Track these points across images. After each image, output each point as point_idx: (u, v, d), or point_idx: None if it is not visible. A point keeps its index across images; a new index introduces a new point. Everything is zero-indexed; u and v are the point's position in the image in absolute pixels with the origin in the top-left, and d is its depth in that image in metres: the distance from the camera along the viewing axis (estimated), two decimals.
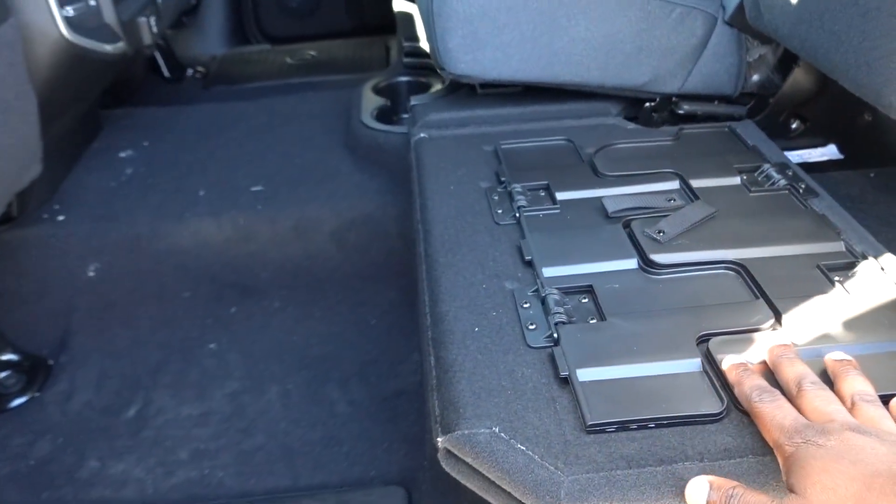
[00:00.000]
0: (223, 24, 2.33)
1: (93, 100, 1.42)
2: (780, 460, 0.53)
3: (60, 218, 1.24)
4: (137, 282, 1.20)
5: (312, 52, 2.32)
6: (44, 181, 1.16)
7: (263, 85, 2.03)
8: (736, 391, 0.61)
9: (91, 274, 1.19)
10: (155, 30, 1.29)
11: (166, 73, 2.08)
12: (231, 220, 1.23)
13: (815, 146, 1.18)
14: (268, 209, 1.25)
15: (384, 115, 1.40)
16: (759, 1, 1.03)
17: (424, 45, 1.54)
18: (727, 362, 0.64)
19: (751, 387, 0.59)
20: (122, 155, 1.45)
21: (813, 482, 0.48)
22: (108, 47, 1.15)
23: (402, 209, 1.18)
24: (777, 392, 0.58)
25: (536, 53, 1.10)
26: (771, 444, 0.55)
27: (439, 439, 0.62)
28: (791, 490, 0.50)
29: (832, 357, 0.63)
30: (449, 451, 0.62)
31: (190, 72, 2.16)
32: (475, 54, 1.09)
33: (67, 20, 1.08)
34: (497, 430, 0.61)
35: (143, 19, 1.26)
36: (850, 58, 0.84)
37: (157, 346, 1.14)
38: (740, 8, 1.08)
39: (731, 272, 0.79)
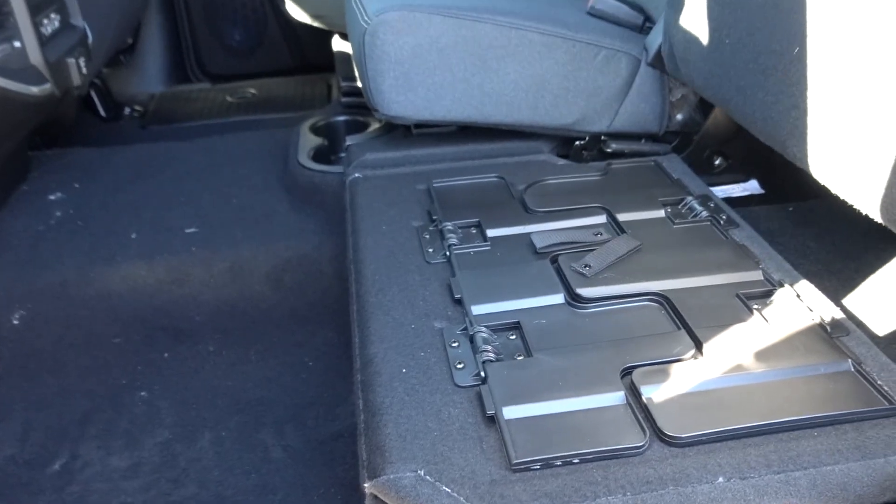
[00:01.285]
0: (162, 61, 2.31)
1: (19, 141, 1.38)
2: None
3: None
4: (65, 328, 1.16)
5: (253, 90, 2.32)
6: None
7: (202, 124, 2.02)
8: None
9: (15, 322, 1.15)
10: (85, 71, 1.27)
11: (102, 112, 2.05)
12: (164, 263, 1.21)
13: (738, 182, 1.23)
14: (202, 251, 1.23)
15: (321, 155, 1.41)
16: (674, 53, 1.07)
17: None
18: None
19: None
20: (52, 197, 1.41)
21: None
22: (34, 89, 1.13)
23: (338, 249, 1.18)
24: None
25: (468, 94, 1.12)
26: None
27: (366, 485, 0.62)
28: None
29: None
30: (376, 497, 0.62)
31: (127, 111, 2.13)
32: (407, 95, 1.11)
33: None
34: (423, 472, 0.61)
35: (71, 60, 1.24)
36: (756, 111, 0.88)
37: (85, 394, 1.11)
38: (661, 52, 1.13)
39: (654, 304, 0.81)
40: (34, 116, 1.29)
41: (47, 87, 1.16)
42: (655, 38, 1.15)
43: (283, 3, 1.92)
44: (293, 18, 1.92)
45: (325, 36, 1.97)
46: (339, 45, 1.81)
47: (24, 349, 1.15)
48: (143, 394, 1.11)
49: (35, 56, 1.14)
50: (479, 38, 1.10)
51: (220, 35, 2.34)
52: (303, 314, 1.19)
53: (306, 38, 2.24)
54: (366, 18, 1.09)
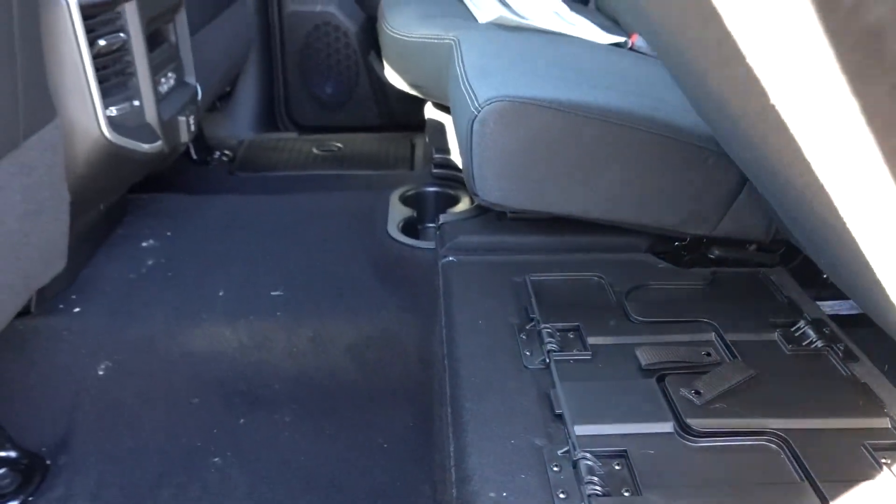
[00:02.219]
0: (254, 109, 2.38)
1: (123, 192, 1.42)
2: None
3: (76, 310, 1.22)
4: (146, 384, 1.17)
5: (339, 144, 2.35)
6: (65, 269, 1.15)
7: (289, 175, 2.05)
8: None
9: (101, 372, 1.16)
10: (193, 128, 1.31)
11: (194, 155, 2.11)
12: (247, 326, 1.21)
13: (847, 298, 1.17)
14: (286, 317, 1.22)
15: (410, 227, 1.40)
16: None
17: (455, 157, 1.56)
18: None
19: None
20: (145, 244, 1.44)
21: None
22: (146, 146, 1.16)
23: (424, 330, 1.16)
24: None
25: (571, 188, 1.10)
26: None
27: None
28: None
29: None
30: None
31: (217, 154, 2.19)
32: (510, 184, 1.09)
33: (110, 120, 1.09)
34: None
35: (182, 118, 1.27)
36: None
37: (159, 454, 1.10)
38: None
39: (772, 445, 0.76)
40: (142, 170, 1.32)
41: (158, 145, 1.19)
42: None
43: (381, 67, 1.95)
44: (387, 82, 1.95)
45: (414, 98, 1.99)
46: (431, 112, 1.82)
47: (105, 401, 1.15)
48: (216, 460, 1.10)
49: (151, 115, 1.18)
50: (588, 134, 1.08)
51: (311, 88, 2.40)
52: (381, 394, 1.17)
53: (394, 98, 2.28)
54: (476, 104, 1.09)
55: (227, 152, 2.20)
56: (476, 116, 1.08)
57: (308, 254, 1.42)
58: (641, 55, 1.60)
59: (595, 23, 1.87)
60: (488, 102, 1.07)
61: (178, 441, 1.12)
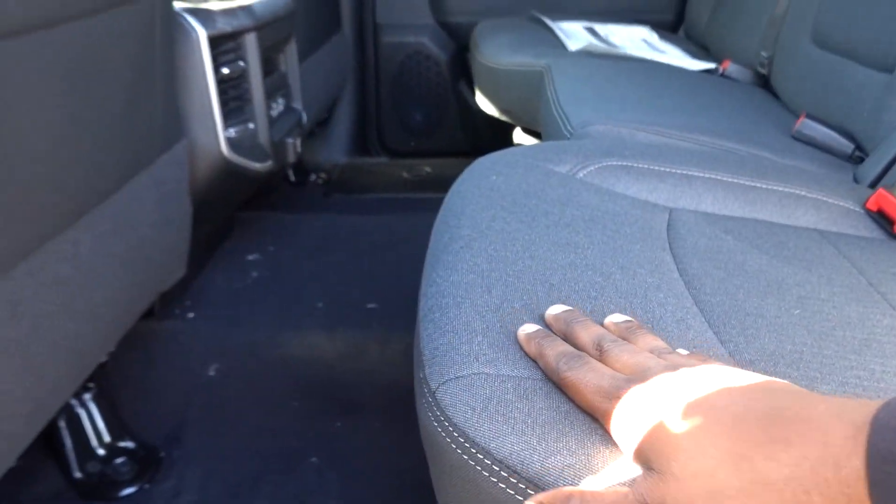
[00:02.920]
0: (348, 134, 2.50)
1: (235, 206, 1.53)
2: (609, 430, 0.44)
3: (190, 315, 1.32)
4: (250, 387, 1.25)
5: (428, 168, 2.44)
6: (182, 277, 1.25)
7: (380, 197, 2.14)
8: (541, 364, 0.51)
9: (211, 373, 1.25)
10: (299, 149, 1.40)
11: (292, 177, 2.23)
12: (344, 336, 1.28)
13: None
14: (379, 329, 1.29)
15: None
16: None
17: None
18: (522, 332, 0.54)
19: (556, 355, 0.49)
20: (250, 258, 1.54)
21: (671, 452, 0.37)
22: (258, 165, 1.26)
23: None
24: (585, 355, 0.49)
25: None
26: (592, 411, 0.45)
27: None
28: (645, 464, 0.40)
29: (613, 320, 0.56)
30: None
31: (313, 177, 2.31)
32: None
33: (229, 140, 1.19)
34: None
35: (290, 140, 1.37)
36: None
37: (260, 453, 1.17)
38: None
39: None
40: (252, 188, 1.42)
41: (268, 164, 1.28)
42: (870, 170, 1.10)
43: (471, 94, 2.02)
44: (478, 108, 2.01)
45: (501, 124, 2.05)
46: (521, 137, 1.87)
47: (213, 401, 1.24)
48: (313, 460, 1.16)
49: (264, 137, 1.27)
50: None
51: (402, 114, 2.50)
52: None
53: (482, 124, 2.34)
54: (569, 128, 1.13)
55: (322, 175, 2.32)
56: (569, 138, 1.12)
57: (399, 271, 1.48)
58: (734, 81, 1.61)
59: (686, 50, 1.88)
60: (581, 127, 1.11)
61: (278, 441, 1.19)
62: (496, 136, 2.36)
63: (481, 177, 0.87)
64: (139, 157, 0.93)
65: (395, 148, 2.52)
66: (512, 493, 0.46)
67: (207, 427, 1.21)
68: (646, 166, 0.97)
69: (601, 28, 2.01)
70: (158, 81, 0.97)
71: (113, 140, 0.83)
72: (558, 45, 1.76)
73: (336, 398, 1.25)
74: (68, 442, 1.14)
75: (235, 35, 1.19)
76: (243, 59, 1.22)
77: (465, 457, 0.49)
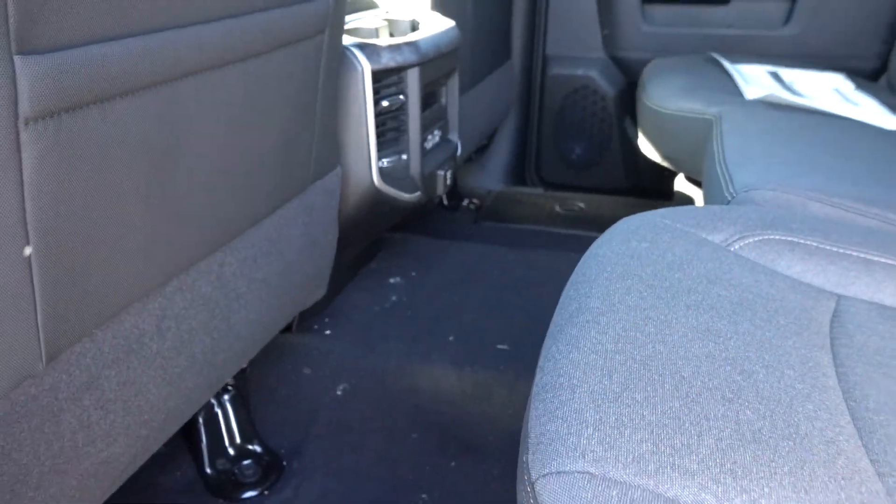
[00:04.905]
0: (505, 163, 2.50)
1: (382, 232, 1.58)
2: None
3: (327, 332, 1.36)
4: (375, 412, 1.27)
5: (582, 204, 2.38)
6: (324, 295, 1.30)
7: (530, 229, 2.11)
8: None
9: (339, 392, 1.29)
10: (449, 182, 1.41)
11: (445, 201, 2.26)
12: (472, 374, 1.26)
13: None
14: (508, 371, 1.26)
15: None
16: None
17: None
18: None
19: None
20: (391, 281, 1.58)
21: None
22: (406, 196, 1.28)
23: None
24: None
25: None
26: None
27: None
28: None
29: None
30: None
31: (465, 202, 2.33)
32: None
33: (381, 170, 1.22)
34: None
35: (441, 173, 1.38)
36: None
37: (374, 479, 1.19)
38: None
39: None
40: (400, 215, 1.45)
41: (417, 195, 1.30)
42: None
43: (635, 134, 1.95)
44: (639, 149, 1.93)
45: (664, 168, 1.95)
46: (682, 185, 1.77)
47: (337, 420, 1.27)
48: (424, 496, 1.16)
49: (415, 168, 1.29)
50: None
51: (562, 146, 2.46)
52: None
53: (644, 165, 2.25)
54: (731, 191, 1.04)
55: (475, 201, 2.33)
56: (730, 202, 1.04)
57: (538, 311, 1.45)
58: None
59: (884, 103, 1.69)
60: (744, 190, 1.02)
61: (394, 470, 1.20)
62: (657, 179, 2.26)
63: (622, 241, 0.82)
64: (292, 185, 0.97)
65: (552, 180, 2.49)
66: None
67: (329, 444, 1.25)
68: (815, 244, 0.87)
69: (787, 73, 1.86)
70: (319, 113, 1.01)
71: (267, 170, 0.88)
72: (734, 90, 1.65)
73: (455, 437, 1.24)
74: (204, 438, 1.21)
75: (399, 70, 1.22)
76: (403, 92, 1.25)
77: None
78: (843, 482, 0.51)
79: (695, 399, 0.56)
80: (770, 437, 0.54)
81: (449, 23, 1.42)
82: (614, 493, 0.47)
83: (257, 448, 1.24)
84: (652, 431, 0.52)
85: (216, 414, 1.23)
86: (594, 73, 2.32)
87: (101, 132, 0.60)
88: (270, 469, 1.23)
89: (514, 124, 2.43)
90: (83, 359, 0.67)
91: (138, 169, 0.65)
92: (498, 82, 2.09)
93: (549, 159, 2.48)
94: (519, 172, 2.52)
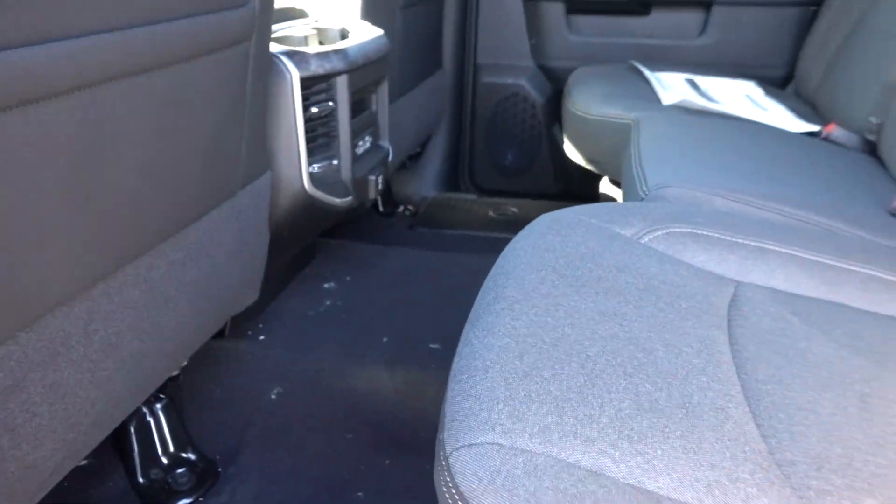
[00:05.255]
0: (439, 169, 2.54)
1: (315, 236, 1.59)
2: None
3: (261, 338, 1.37)
4: (309, 412, 1.29)
5: (514, 209, 2.44)
6: (257, 300, 1.31)
7: (465, 234, 2.16)
8: None
9: (273, 396, 1.30)
10: (381, 186, 1.44)
11: (381, 208, 2.29)
12: (404, 373, 1.29)
13: None
14: (439, 371, 1.29)
15: None
16: None
17: None
18: None
19: None
20: (326, 286, 1.59)
21: None
22: (338, 201, 1.30)
23: None
24: None
25: None
26: None
27: None
28: None
29: None
30: None
31: (401, 209, 2.36)
32: None
33: (311, 176, 1.25)
34: None
35: (372, 178, 1.41)
36: None
37: (310, 480, 1.20)
38: None
39: None
40: (332, 219, 1.48)
41: (349, 200, 1.33)
42: None
43: (563, 140, 2.02)
44: (567, 154, 2.01)
45: (591, 172, 2.03)
46: (606, 188, 1.85)
47: (273, 423, 1.28)
48: (359, 494, 1.18)
49: (346, 173, 1.32)
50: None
51: (494, 153, 2.52)
52: None
53: (572, 170, 2.33)
54: (645, 188, 1.11)
55: (410, 207, 2.37)
56: (643, 199, 1.10)
57: (468, 313, 1.49)
58: (836, 146, 1.53)
59: (791, 108, 1.81)
60: (656, 188, 1.09)
61: (329, 470, 1.22)
62: (586, 184, 2.34)
63: (539, 236, 0.87)
64: (221, 190, 0.99)
65: (485, 186, 2.54)
66: None
67: (264, 448, 1.25)
68: (717, 235, 0.93)
69: (703, 81, 1.97)
70: (247, 119, 1.02)
71: (195, 175, 0.89)
72: (653, 97, 1.73)
73: (389, 435, 1.26)
74: (136, 447, 1.20)
75: (327, 77, 1.24)
76: (333, 98, 1.27)
77: None
78: (728, 443, 0.56)
79: (598, 375, 0.60)
80: (665, 406, 0.58)
81: (377, 31, 1.46)
82: (520, 460, 0.50)
83: (191, 455, 1.24)
84: (557, 405, 0.56)
85: (148, 423, 1.22)
86: (524, 82, 2.39)
87: (24, 135, 0.61)
88: (205, 476, 1.23)
89: (446, 132, 2.48)
90: (7, 361, 0.67)
91: (62, 172, 0.66)
92: (429, 90, 2.14)
93: (483, 166, 2.54)
94: (453, 179, 2.57)
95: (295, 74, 1.16)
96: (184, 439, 1.24)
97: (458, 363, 0.65)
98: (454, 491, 0.51)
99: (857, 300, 0.88)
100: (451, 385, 0.62)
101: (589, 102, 1.73)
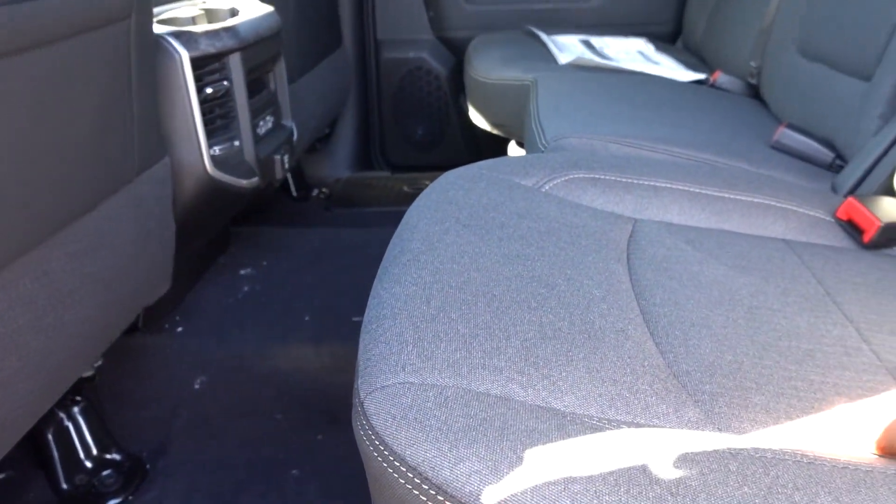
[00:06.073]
0: (351, 149, 2.53)
1: (225, 222, 1.56)
2: None
3: (179, 329, 1.34)
4: (234, 399, 1.27)
5: (428, 182, 2.44)
6: (170, 293, 1.28)
7: (380, 211, 2.16)
8: None
9: (196, 386, 1.27)
10: (287, 165, 1.42)
11: (294, 192, 2.26)
12: (329, 349, 1.29)
13: None
14: None
15: None
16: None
17: None
18: None
19: None
20: (242, 272, 1.57)
21: None
22: (244, 182, 1.28)
23: None
24: None
25: None
26: None
27: None
28: None
29: None
30: None
31: (315, 192, 2.34)
32: None
33: (213, 158, 1.22)
34: None
35: (277, 157, 1.39)
36: None
37: (243, 464, 1.19)
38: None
39: None
40: (241, 203, 1.45)
41: (255, 181, 1.30)
42: (847, 179, 1.10)
43: (467, 108, 2.04)
44: (474, 123, 2.03)
45: (500, 138, 2.06)
46: (514, 150, 1.88)
47: (199, 413, 1.26)
48: (294, 472, 1.18)
49: (249, 154, 1.30)
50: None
51: (404, 129, 2.52)
52: None
53: (482, 138, 2.36)
54: (544, 141, 1.14)
55: (324, 190, 2.35)
56: (543, 152, 1.13)
57: None
58: (722, 92, 1.61)
59: (681, 61, 1.88)
60: (554, 140, 1.12)
61: (261, 453, 1.21)
62: (498, 150, 2.37)
63: (442, 191, 0.88)
64: (115, 177, 0.95)
65: (398, 162, 2.54)
66: (424, 499, 0.47)
67: (192, 439, 1.23)
68: (613, 178, 0.97)
69: (597, 41, 2.02)
70: (135, 102, 0.99)
71: (83, 161, 0.86)
72: (550, 58, 1.77)
73: (319, 410, 1.26)
74: (56, 454, 1.16)
75: (219, 56, 1.21)
76: (228, 78, 1.24)
77: (385, 464, 0.50)
78: (629, 360, 0.60)
79: (504, 311, 0.63)
80: (568, 333, 0.61)
81: (268, 8, 1.43)
82: (431, 394, 0.52)
83: (116, 456, 1.21)
84: (465, 341, 0.58)
85: (66, 427, 1.18)
86: (425, 55, 2.39)
87: None
88: (133, 474, 1.20)
89: (354, 111, 2.46)
90: None
91: None
92: (331, 69, 2.11)
93: (394, 142, 2.53)
94: (366, 157, 2.56)
95: (184, 55, 1.13)
96: (107, 440, 1.20)
97: (367, 314, 0.66)
98: (370, 432, 0.52)
99: (742, 226, 0.94)
100: (362, 336, 0.63)
101: (488, 68, 1.76)
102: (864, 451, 0.52)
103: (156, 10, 1.29)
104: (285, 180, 2.22)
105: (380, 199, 2.30)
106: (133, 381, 1.30)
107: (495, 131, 1.86)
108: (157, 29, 1.16)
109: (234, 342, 1.32)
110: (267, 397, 1.27)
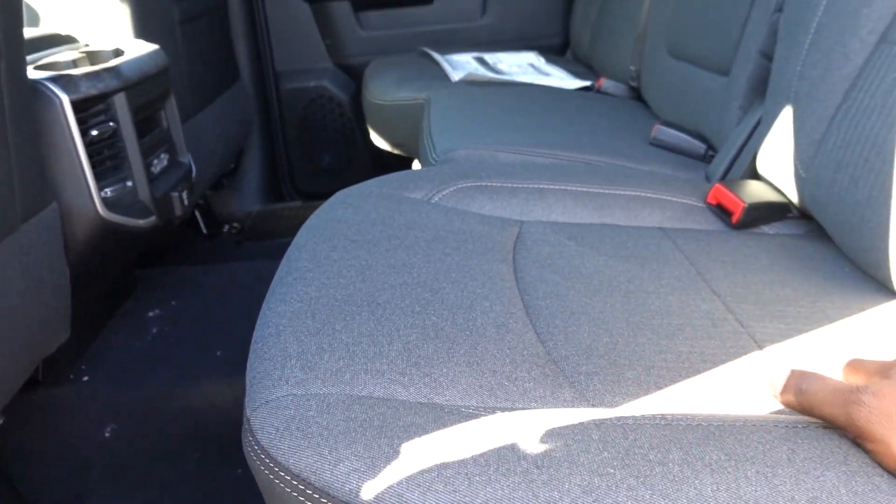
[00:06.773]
0: (259, 182, 2.51)
1: (126, 264, 1.53)
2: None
3: (85, 379, 1.30)
4: (150, 442, 1.24)
5: None
6: (73, 342, 1.24)
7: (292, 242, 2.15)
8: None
9: (107, 434, 1.24)
10: (186, 203, 1.41)
11: (204, 229, 2.23)
12: (242, 382, 1.27)
13: None
14: None
15: None
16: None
17: None
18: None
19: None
20: (151, 314, 1.54)
21: None
22: (140, 222, 1.26)
23: None
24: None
25: None
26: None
27: None
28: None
29: None
30: None
31: (226, 228, 2.31)
32: None
33: (105, 200, 1.20)
34: None
35: (175, 194, 1.38)
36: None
37: None
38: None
39: None
40: (140, 244, 1.42)
41: (152, 220, 1.29)
42: (717, 167, 1.17)
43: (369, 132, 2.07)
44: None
45: (408, 161, 2.10)
46: (417, 167, 1.92)
47: (113, 461, 1.22)
48: None
49: (144, 193, 1.28)
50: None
51: (312, 157, 2.53)
52: None
53: (389, 160, 2.39)
54: (434, 156, 1.17)
55: (235, 224, 2.32)
56: (433, 165, 1.17)
57: None
58: (608, 96, 1.69)
59: (569, 70, 1.96)
60: (444, 153, 1.16)
61: (182, 494, 1.18)
62: (402, 169, 2.41)
63: (331, 210, 0.90)
64: None
65: (309, 191, 2.54)
66: None
67: (109, 490, 1.19)
68: (500, 184, 1.01)
69: (490, 57, 2.09)
70: (13, 150, 0.97)
71: None
72: (444, 77, 1.82)
73: (237, 445, 1.24)
74: None
75: (103, 97, 1.20)
76: (114, 119, 1.23)
77: (272, 476, 0.51)
78: (509, 351, 0.62)
79: (387, 318, 0.65)
80: (451, 332, 0.64)
81: (153, 46, 1.42)
82: (313, 403, 0.53)
83: None
84: (349, 350, 0.60)
85: None
86: (326, 83, 2.41)
87: None
88: None
89: (259, 143, 2.45)
90: None
91: None
92: (230, 103, 2.10)
93: (302, 171, 2.54)
94: (276, 189, 2.55)
95: (64, 98, 1.11)
96: (17, 501, 1.15)
97: (255, 335, 0.67)
98: (256, 447, 0.53)
99: (623, 218, 0.99)
100: (249, 356, 0.64)
101: (384, 90, 1.79)
102: (718, 409, 0.56)
103: (34, 55, 1.27)
104: (194, 218, 2.19)
105: (293, 229, 2.27)
106: (39, 436, 1.25)
107: (396, 151, 1.89)
108: (34, 74, 1.14)
109: (145, 385, 1.29)
110: (182, 437, 1.25)
